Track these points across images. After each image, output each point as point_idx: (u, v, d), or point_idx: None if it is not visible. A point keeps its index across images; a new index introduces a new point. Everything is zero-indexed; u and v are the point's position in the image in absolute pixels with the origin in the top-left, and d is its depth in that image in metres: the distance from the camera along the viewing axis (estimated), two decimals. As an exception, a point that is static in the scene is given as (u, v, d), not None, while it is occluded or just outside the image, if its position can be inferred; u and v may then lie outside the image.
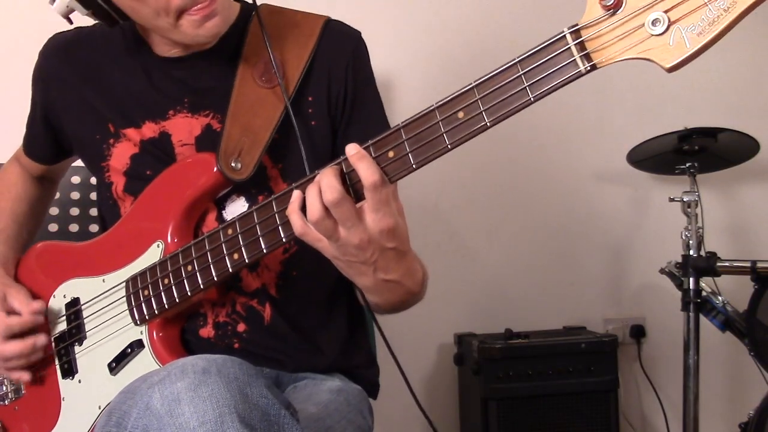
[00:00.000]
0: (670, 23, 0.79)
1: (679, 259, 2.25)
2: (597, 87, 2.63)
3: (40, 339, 1.25)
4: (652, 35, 0.80)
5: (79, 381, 1.24)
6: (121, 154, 1.26)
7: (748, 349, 2.10)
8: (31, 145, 1.43)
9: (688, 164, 2.30)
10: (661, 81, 2.56)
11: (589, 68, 0.84)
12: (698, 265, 2.19)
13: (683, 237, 2.25)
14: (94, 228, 1.74)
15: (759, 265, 2.06)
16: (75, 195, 1.74)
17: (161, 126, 1.25)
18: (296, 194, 0.97)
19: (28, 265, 1.37)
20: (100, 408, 1.18)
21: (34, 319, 1.26)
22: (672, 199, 2.29)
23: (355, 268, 1.01)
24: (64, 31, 1.36)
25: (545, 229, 2.66)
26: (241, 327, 1.21)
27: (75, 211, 1.75)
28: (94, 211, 1.74)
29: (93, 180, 1.74)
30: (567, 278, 2.66)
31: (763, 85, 2.74)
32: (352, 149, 0.95)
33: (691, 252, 2.23)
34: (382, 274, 1.03)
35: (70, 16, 1.21)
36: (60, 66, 1.33)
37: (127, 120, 1.26)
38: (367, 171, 0.93)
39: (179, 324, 1.20)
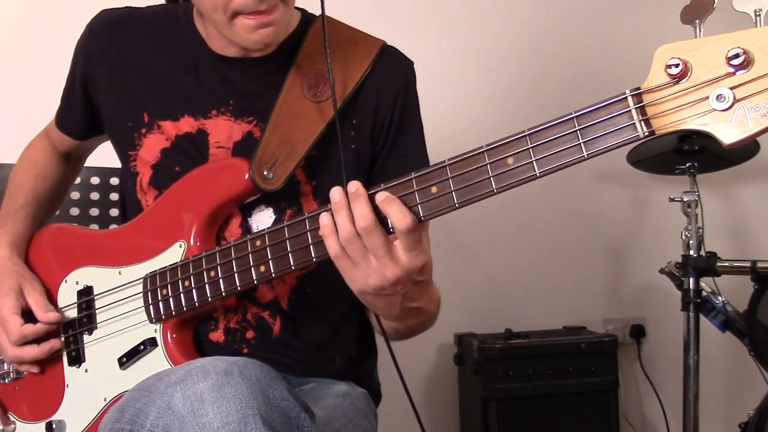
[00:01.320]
0: (735, 101, 0.78)
1: (679, 259, 2.25)
2: (596, 87, 2.62)
3: (56, 345, 1.24)
4: (715, 110, 0.79)
5: (86, 370, 1.22)
6: (152, 146, 1.24)
7: (748, 349, 2.10)
8: (65, 117, 1.39)
9: (688, 164, 2.30)
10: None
11: (647, 134, 0.82)
12: (698, 265, 2.19)
13: (683, 237, 2.25)
14: (94, 228, 1.74)
15: (759, 265, 2.06)
16: (75, 195, 1.73)
17: (200, 123, 1.22)
18: (329, 217, 0.96)
19: (40, 246, 1.34)
20: (105, 400, 1.18)
21: (47, 329, 1.24)
22: (672, 199, 2.29)
23: (384, 300, 1.01)
24: (114, 8, 1.32)
25: (545, 229, 2.66)
26: (249, 334, 1.20)
27: (75, 211, 1.75)
28: (94, 211, 1.74)
29: (93, 180, 1.74)
30: (567, 278, 2.67)
31: (763, 85, 2.74)
32: (381, 196, 0.94)
33: (691, 252, 2.23)
34: (408, 303, 1.03)
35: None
36: (106, 43, 1.28)
37: (165, 111, 1.23)
38: (398, 215, 0.92)
39: (193, 326, 1.19)
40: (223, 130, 1.21)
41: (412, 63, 1.29)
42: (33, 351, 1.23)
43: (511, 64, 2.60)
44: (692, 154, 2.30)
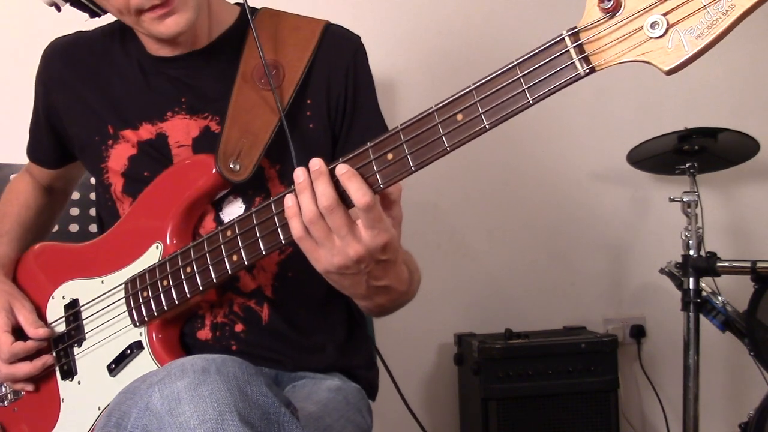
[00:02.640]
0: (669, 26, 0.79)
1: (679, 259, 2.25)
2: (597, 87, 2.62)
3: (48, 360, 1.26)
4: (651, 38, 0.80)
5: (79, 382, 1.24)
6: (119, 156, 1.27)
7: (748, 349, 2.10)
8: (35, 149, 1.44)
9: (688, 164, 2.31)
10: (661, 81, 2.55)
11: (588, 71, 0.83)
12: (698, 265, 2.19)
13: (683, 237, 2.25)
14: (93, 228, 1.75)
15: (759, 265, 2.06)
16: (75, 195, 1.74)
17: (158, 127, 1.25)
18: (293, 198, 0.98)
19: (27, 266, 1.37)
20: (99, 409, 1.19)
21: (38, 346, 1.26)
22: (672, 199, 2.29)
23: (349, 279, 1.02)
24: (65, 35, 1.37)
25: (545, 229, 2.66)
26: (238, 327, 1.21)
27: (75, 211, 1.75)
28: (93, 211, 1.74)
29: (93, 180, 1.74)
30: (567, 278, 2.67)
31: (763, 85, 2.74)
32: (342, 168, 0.95)
33: (691, 252, 2.23)
34: (374, 281, 1.04)
35: (58, 4, 1.24)
36: (61, 69, 1.34)
37: (125, 122, 1.27)
38: (358, 192, 0.94)
39: (178, 326, 1.21)
40: (180, 129, 1.24)
41: (359, 37, 1.31)
42: (26, 368, 1.25)
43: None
44: (692, 154, 2.30)
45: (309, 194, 0.96)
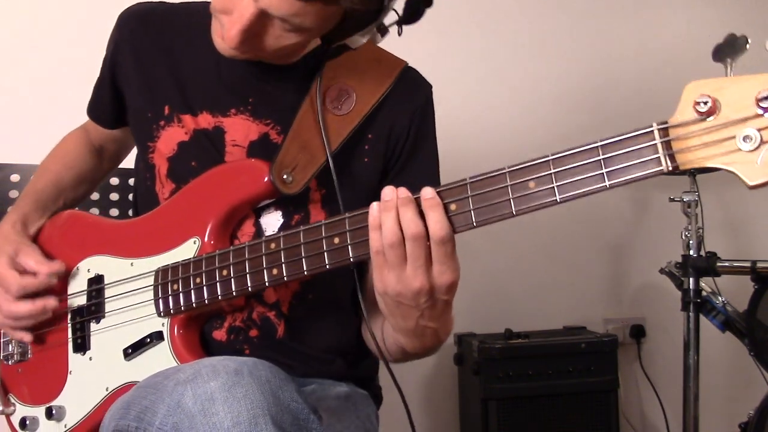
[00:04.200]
0: (762, 142, 0.77)
1: (679, 259, 2.25)
2: (596, 86, 2.63)
3: (50, 302, 1.22)
4: (741, 150, 0.78)
5: (90, 358, 1.22)
6: (169, 138, 1.24)
7: (748, 349, 2.10)
8: (95, 105, 1.40)
9: (688, 164, 2.30)
10: (661, 80, 2.57)
11: (671, 168, 0.81)
12: (698, 265, 2.19)
13: (683, 237, 2.26)
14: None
15: (759, 265, 2.06)
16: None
17: (218, 120, 1.23)
18: (379, 209, 0.95)
19: (52, 231, 1.34)
20: (107, 390, 1.17)
21: (49, 281, 1.23)
22: (672, 199, 2.29)
23: (402, 310, 1.00)
24: (146, 2, 1.34)
25: (545, 228, 2.66)
26: (253, 332, 1.20)
27: (76, 212, 1.75)
28: (94, 211, 1.74)
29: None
30: (567, 278, 2.67)
31: (763, 85, 2.74)
32: (428, 193, 0.92)
33: (691, 252, 2.23)
34: (425, 321, 1.02)
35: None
36: (134, 33, 1.30)
37: (186, 105, 1.25)
38: (437, 224, 0.91)
39: (200, 324, 1.19)
40: (240, 129, 1.22)
41: (431, 86, 1.31)
42: (28, 307, 1.21)
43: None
44: (692, 153, 2.30)
45: (393, 215, 0.93)
